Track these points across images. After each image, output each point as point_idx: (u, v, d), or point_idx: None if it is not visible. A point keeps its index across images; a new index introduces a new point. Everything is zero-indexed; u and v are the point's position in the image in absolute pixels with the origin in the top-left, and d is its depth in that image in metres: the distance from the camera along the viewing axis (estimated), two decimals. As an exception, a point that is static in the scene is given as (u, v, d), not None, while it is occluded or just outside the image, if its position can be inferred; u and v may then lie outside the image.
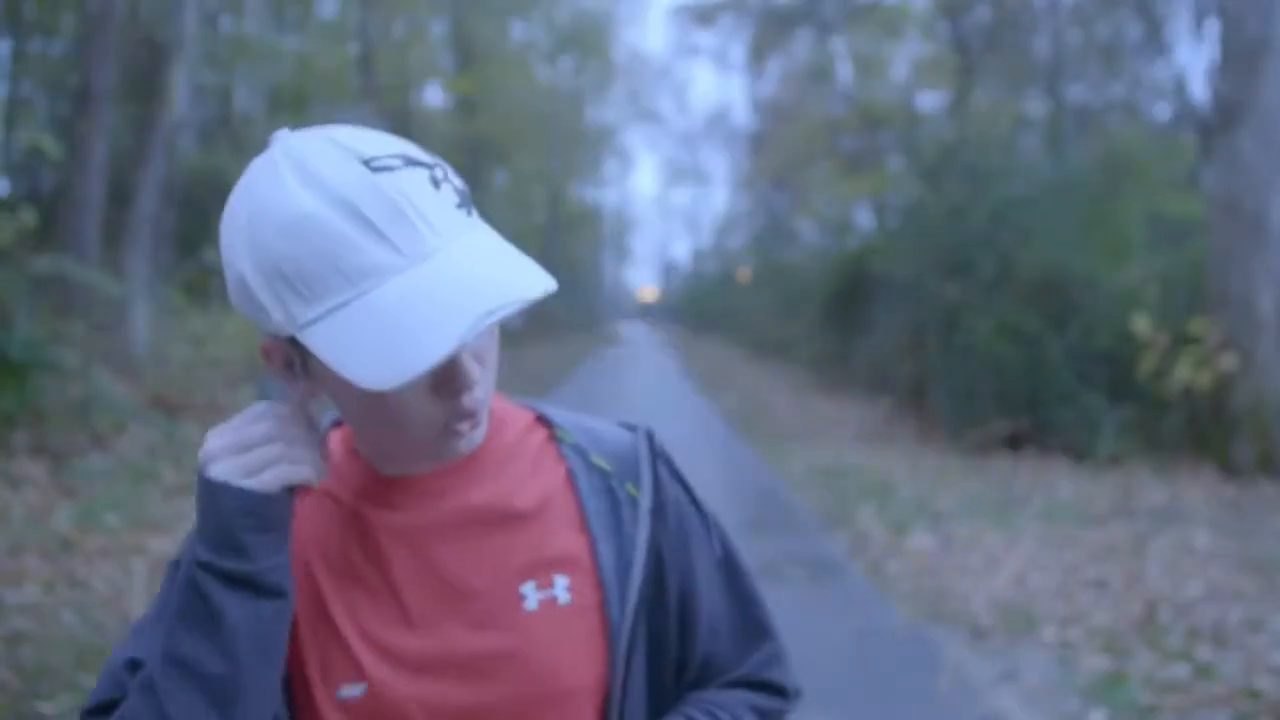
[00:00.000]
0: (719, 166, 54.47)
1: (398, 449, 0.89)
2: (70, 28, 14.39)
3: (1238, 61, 8.54)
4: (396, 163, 0.77)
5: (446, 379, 0.82)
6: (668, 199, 67.31)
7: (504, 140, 24.74)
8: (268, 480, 0.81)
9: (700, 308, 43.35)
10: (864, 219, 22.09)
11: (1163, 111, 19.16)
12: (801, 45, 24.62)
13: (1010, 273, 10.36)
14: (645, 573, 0.92)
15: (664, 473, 0.97)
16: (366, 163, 0.76)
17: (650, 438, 0.99)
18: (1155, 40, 17.37)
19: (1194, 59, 33.53)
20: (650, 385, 18.27)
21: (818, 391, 16.46)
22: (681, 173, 58.11)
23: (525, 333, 24.86)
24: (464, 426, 0.85)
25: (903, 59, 22.97)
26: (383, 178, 0.76)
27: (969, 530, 6.62)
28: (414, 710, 0.88)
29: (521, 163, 28.60)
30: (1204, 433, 8.61)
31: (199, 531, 0.82)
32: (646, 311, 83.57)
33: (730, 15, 25.75)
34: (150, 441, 7.93)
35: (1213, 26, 15.07)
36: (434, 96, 26.56)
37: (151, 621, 0.92)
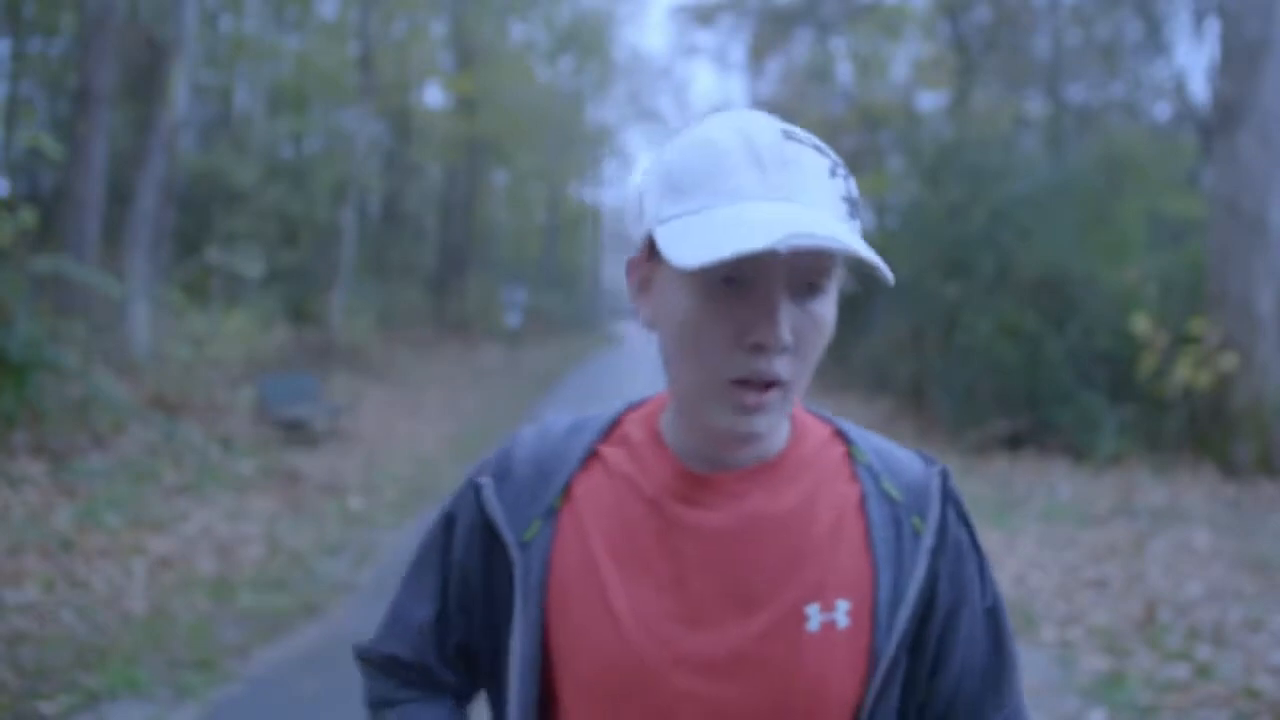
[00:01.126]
0: (719, 166, 54.35)
1: (696, 402, 0.89)
2: (70, 27, 14.40)
3: (1238, 61, 8.54)
4: (808, 143, 0.86)
5: (753, 327, 0.83)
6: (667, 199, 67.20)
7: (504, 140, 24.72)
8: None
9: (700, 307, 43.17)
10: (864, 219, 22.07)
11: (1163, 111, 19.17)
12: (801, 45, 24.60)
13: (1010, 273, 10.36)
14: (914, 609, 0.92)
15: (951, 514, 0.98)
16: (785, 132, 0.86)
17: (945, 476, 0.99)
18: (1155, 40, 17.38)
19: (1194, 59, 33.53)
20: (650, 385, 18.30)
21: (817, 391, 16.45)
22: (681, 173, 58.00)
23: (524, 332, 24.87)
24: (751, 398, 0.85)
25: (903, 59, 22.95)
26: (790, 144, 0.85)
27: (969, 530, 6.61)
28: (682, 704, 0.90)
29: (521, 163, 28.60)
30: (1204, 433, 8.61)
31: None
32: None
33: (730, 15, 25.70)
34: (150, 441, 7.93)
35: (1213, 26, 15.09)
36: (434, 96, 26.56)
37: (414, 590, 1.06)
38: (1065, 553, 6.06)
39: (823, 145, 0.87)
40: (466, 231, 26.27)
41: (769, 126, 0.86)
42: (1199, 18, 16.80)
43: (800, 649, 0.90)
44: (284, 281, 15.56)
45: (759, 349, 0.84)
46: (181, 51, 11.42)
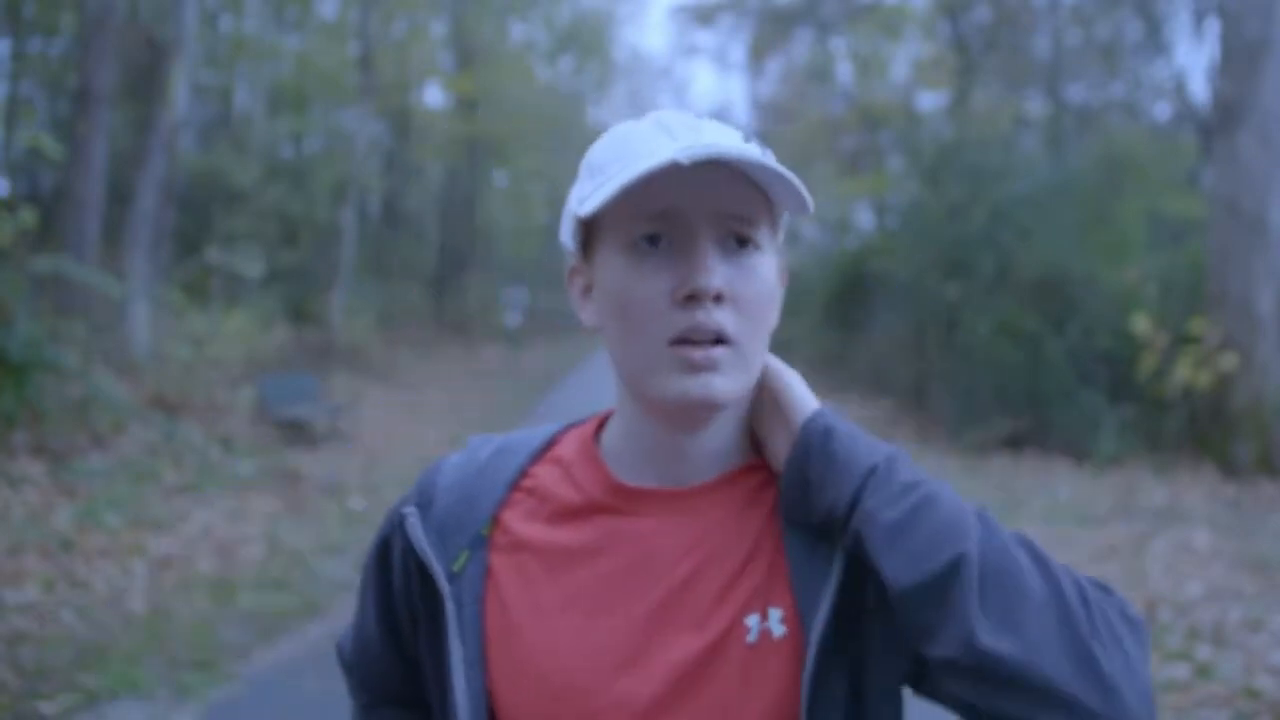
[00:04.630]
0: (719, 166, 54.24)
1: (643, 376, 0.85)
2: (70, 27, 14.40)
3: (1238, 61, 8.54)
4: (724, 122, 0.89)
5: (683, 279, 0.82)
6: (668, 199, 67.10)
7: (504, 140, 24.72)
8: None
9: (700, 308, 43.23)
10: (864, 219, 22.10)
11: (1163, 111, 19.17)
12: (801, 45, 24.61)
13: (1010, 273, 10.36)
14: (832, 607, 0.84)
15: None
16: (699, 115, 0.89)
17: None
18: (1155, 40, 17.38)
19: (1194, 59, 33.54)
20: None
21: (818, 391, 16.12)
22: (681, 173, 57.89)
23: (524, 332, 24.87)
24: (697, 354, 0.82)
25: (903, 59, 22.96)
26: (703, 120, 0.88)
27: (969, 530, 6.61)
28: None
29: (521, 163, 28.59)
30: (1204, 433, 8.61)
31: None
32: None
33: (730, 15, 25.70)
34: (150, 441, 7.93)
35: (1213, 26, 15.09)
36: (434, 96, 26.57)
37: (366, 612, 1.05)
38: (1065, 553, 6.05)
39: (740, 127, 0.90)
40: (466, 231, 26.29)
41: (683, 113, 0.89)
42: (1199, 18, 16.81)
43: (743, 665, 0.85)
44: (284, 281, 15.55)
45: (693, 300, 0.82)
46: (181, 51, 11.42)
